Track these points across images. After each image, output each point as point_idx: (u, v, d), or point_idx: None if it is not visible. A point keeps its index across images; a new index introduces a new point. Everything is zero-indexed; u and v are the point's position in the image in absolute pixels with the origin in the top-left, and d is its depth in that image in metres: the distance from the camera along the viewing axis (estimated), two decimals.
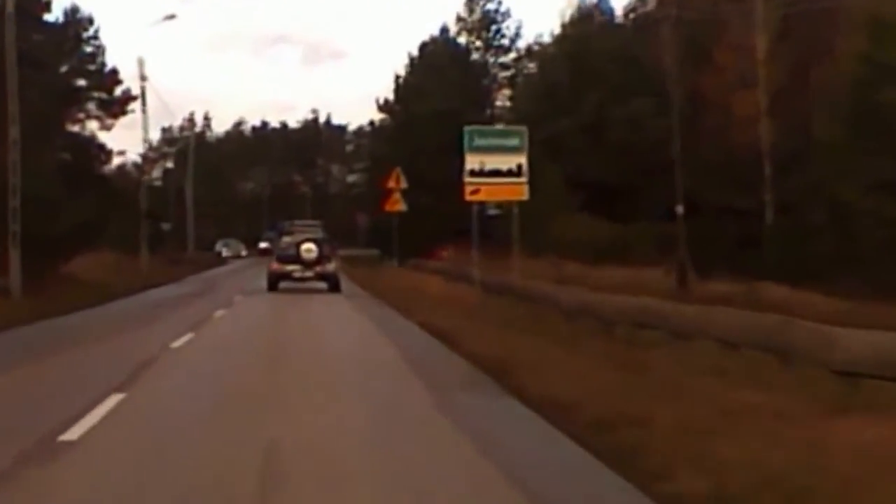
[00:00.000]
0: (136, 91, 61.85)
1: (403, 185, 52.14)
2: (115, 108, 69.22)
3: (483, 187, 30.35)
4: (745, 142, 46.29)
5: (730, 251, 43.09)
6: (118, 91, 69.40)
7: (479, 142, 30.64)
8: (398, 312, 26.75)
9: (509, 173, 30.35)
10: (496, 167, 30.27)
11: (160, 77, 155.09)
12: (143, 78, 59.28)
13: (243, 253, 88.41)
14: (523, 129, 31.25)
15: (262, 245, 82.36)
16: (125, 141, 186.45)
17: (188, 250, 78.30)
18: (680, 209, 40.36)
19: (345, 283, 40.76)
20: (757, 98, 46.23)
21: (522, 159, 30.50)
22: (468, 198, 30.67)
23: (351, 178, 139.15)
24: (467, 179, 30.43)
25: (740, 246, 44.04)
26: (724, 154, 48.23)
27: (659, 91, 53.55)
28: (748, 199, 48.00)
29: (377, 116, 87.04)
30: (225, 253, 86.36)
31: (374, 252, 74.94)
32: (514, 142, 30.76)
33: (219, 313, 27.06)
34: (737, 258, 41.10)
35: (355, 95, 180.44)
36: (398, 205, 52.01)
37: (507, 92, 75.97)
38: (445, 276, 40.56)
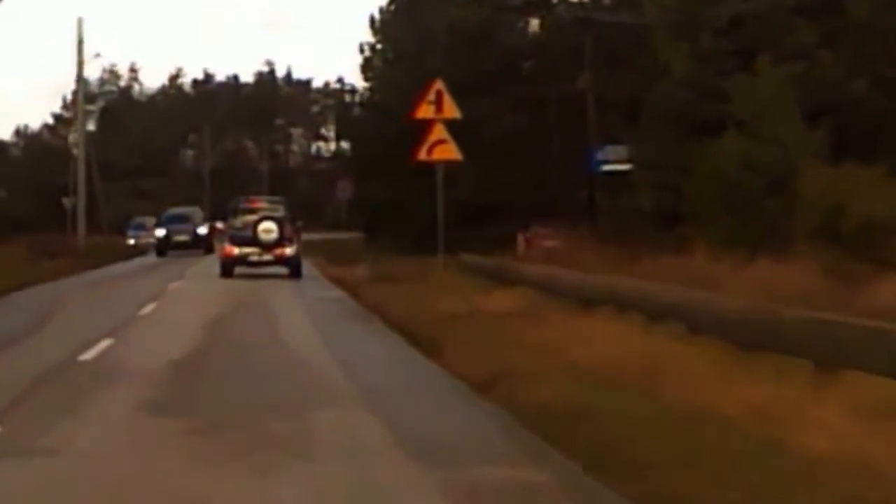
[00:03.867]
0: None
1: (454, 112, 26.14)
2: None
3: None
4: None
5: None
6: None
7: None
8: None
9: None
10: None
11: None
12: None
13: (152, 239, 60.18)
14: None
15: (160, 233, 51.55)
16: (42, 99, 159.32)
17: (78, 236, 52.06)
18: None
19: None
20: None
21: None
22: None
23: (317, 147, 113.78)
24: None
25: None
26: None
27: None
28: None
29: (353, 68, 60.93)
30: (133, 241, 58.91)
31: (357, 236, 56.79)
32: None
33: None
34: None
35: (321, 49, 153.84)
36: (446, 150, 26.11)
37: None
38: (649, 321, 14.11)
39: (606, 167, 31.25)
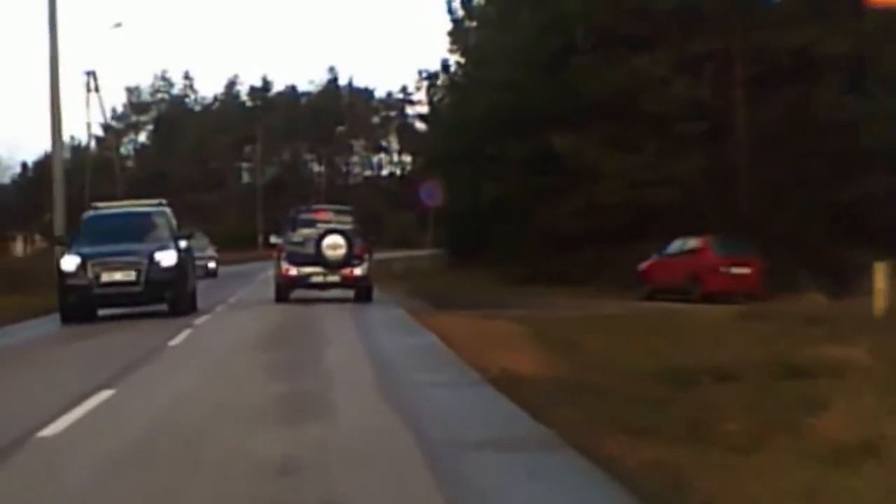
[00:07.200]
0: None
1: None
2: None
3: None
4: None
5: None
6: None
7: None
8: None
9: None
10: None
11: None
12: None
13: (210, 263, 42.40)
14: None
15: (67, 264, 20.13)
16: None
17: (55, 265, 35.42)
18: None
19: None
20: None
21: None
22: None
23: (378, 159, 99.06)
24: None
25: None
26: None
27: None
28: None
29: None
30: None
31: (435, 254, 48.86)
32: None
33: None
34: None
35: (383, 55, 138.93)
36: None
37: None
38: None
39: None
